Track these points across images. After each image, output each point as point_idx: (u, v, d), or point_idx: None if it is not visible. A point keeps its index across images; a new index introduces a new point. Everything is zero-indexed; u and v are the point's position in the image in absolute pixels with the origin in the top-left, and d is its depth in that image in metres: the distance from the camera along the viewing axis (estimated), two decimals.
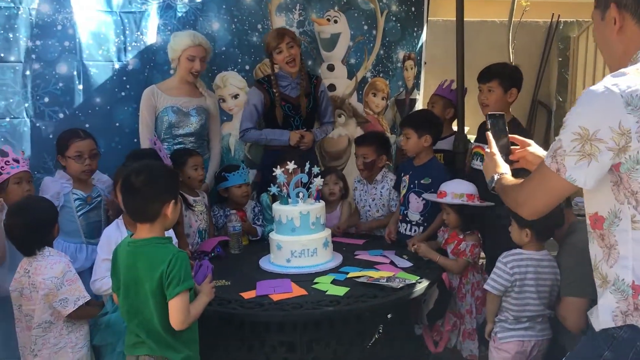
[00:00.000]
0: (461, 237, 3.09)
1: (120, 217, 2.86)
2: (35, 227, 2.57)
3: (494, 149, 2.08)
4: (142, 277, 2.17)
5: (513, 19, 7.19)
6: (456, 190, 3.07)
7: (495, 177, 1.98)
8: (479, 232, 3.13)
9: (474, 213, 3.07)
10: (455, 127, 4.14)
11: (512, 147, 2.15)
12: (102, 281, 2.75)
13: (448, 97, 4.09)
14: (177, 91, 3.72)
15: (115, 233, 2.80)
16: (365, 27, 4.58)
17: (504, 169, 2.01)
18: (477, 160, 3.48)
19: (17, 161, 2.96)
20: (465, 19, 4.00)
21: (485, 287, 2.73)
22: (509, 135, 2.16)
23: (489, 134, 2.13)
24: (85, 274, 3.02)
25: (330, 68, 4.52)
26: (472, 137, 4.03)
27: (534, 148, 2.13)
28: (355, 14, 4.54)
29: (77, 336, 2.63)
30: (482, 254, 3.34)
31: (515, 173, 2.02)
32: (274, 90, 3.84)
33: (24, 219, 2.56)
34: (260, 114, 3.91)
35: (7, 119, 3.50)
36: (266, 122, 3.96)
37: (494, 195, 2.11)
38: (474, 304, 3.08)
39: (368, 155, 3.68)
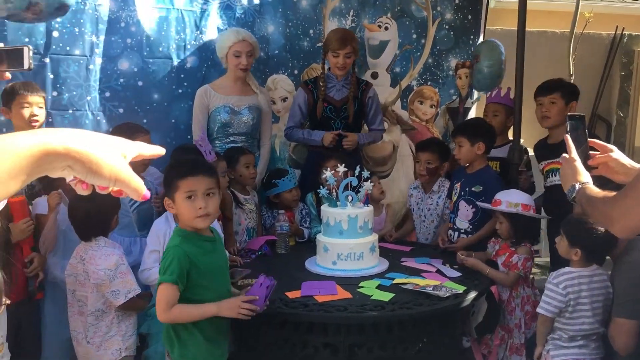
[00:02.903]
0: (513, 249, 3.01)
1: None
2: (96, 215, 2.67)
3: (574, 154, 1.87)
4: None
5: (575, 31, 6.99)
6: (511, 200, 3.01)
7: (577, 186, 1.78)
8: (531, 245, 3.05)
9: (528, 225, 3.00)
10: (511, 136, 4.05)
11: (591, 152, 1.93)
12: (150, 271, 2.81)
13: (510, 104, 4.00)
14: (230, 90, 3.76)
15: (164, 225, 2.86)
16: (414, 36, 4.57)
17: (585, 177, 1.81)
18: (554, 176, 3.42)
19: None
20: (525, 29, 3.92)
21: (539, 310, 2.64)
22: (589, 139, 1.95)
23: (568, 138, 1.92)
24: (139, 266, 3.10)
25: (374, 76, 4.51)
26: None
27: (618, 154, 1.90)
28: (407, 22, 4.53)
29: (127, 325, 2.71)
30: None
31: (596, 182, 1.83)
32: (321, 85, 3.83)
33: (87, 205, 2.66)
34: (305, 114, 3.93)
35: (70, 111, 3.63)
36: (311, 122, 3.98)
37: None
38: (524, 318, 3.00)
39: (432, 162, 3.65)
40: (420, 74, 4.62)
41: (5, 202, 2.34)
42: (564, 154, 1.90)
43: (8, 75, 2.00)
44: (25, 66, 1.95)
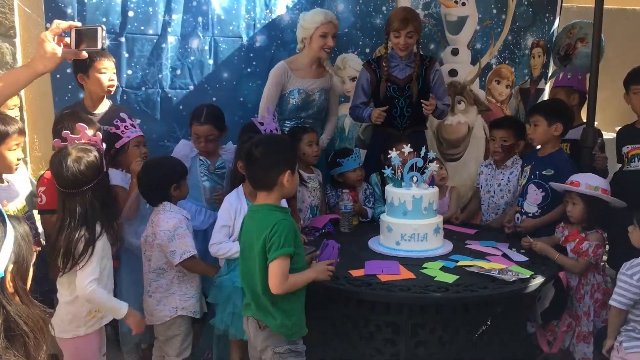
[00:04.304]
0: (583, 235, 2.92)
1: (241, 186, 2.98)
2: (156, 183, 2.83)
3: None
4: (253, 241, 2.33)
5: None
6: (591, 182, 2.93)
7: None
8: (602, 232, 2.95)
9: (603, 210, 2.90)
10: (583, 118, 3.89)
11: None
12: (219, 245, 2.90)
13: (568, 84, 3.86)
14: (306, 73, 3.76)
15: (235, 201, 2.94)
16: (495, 11, 4.42)
17: None
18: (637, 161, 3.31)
19: (134, 126, 3.18)
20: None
21: (611, 302, 2.56)
22: None
23: None
24: (199, 235, 3.21)
25: (454, 52, 4.40)
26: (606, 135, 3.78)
27: None
28: None
29: (188, 287, 2.86)
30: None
31: None
32: (384, 65, 3.79)
33: (149, 175, 2.84)
34: (367, 93, 3.90)
35: (143, 89, 3.75)
36: (374, 102, 3.95)
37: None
38: (593, 306, 2.92)
39: (508, 139, 3.59)
40: (500, 52, 4.47)
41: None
42: None
43: (85, 54, 2.10)
44: (99, 46, 2.04)
